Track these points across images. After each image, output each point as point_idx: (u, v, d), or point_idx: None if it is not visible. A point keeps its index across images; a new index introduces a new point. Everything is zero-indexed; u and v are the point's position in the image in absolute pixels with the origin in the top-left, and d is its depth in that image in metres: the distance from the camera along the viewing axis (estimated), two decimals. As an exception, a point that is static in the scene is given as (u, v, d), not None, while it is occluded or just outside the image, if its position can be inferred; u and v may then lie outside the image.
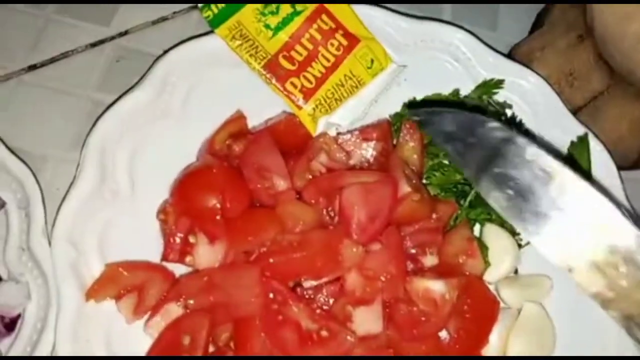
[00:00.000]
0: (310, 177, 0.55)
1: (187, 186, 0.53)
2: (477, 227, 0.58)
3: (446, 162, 0.58)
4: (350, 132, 0.58)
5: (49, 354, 0.47)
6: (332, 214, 0.53)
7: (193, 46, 0.57)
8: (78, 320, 0.48)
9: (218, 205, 0.51)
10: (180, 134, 0.56)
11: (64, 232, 0.49)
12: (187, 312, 0.49)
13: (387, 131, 0.58)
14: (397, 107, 0.60)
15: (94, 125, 0.53)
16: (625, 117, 0.61)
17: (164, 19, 0.66)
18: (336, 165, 0.56)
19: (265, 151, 0.54)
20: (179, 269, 0.52)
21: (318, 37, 0.59)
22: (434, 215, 0.55)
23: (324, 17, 0.59)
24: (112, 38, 0.64)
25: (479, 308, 0.53)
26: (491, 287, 0.55)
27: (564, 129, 0.59)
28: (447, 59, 0.61)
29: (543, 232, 0.34)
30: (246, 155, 0.55)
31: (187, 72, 0.57)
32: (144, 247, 0.52)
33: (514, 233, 0.56)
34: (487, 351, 0.53)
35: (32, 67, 0.62)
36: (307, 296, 0.51)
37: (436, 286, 0.50)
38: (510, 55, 0.66)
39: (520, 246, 0.56)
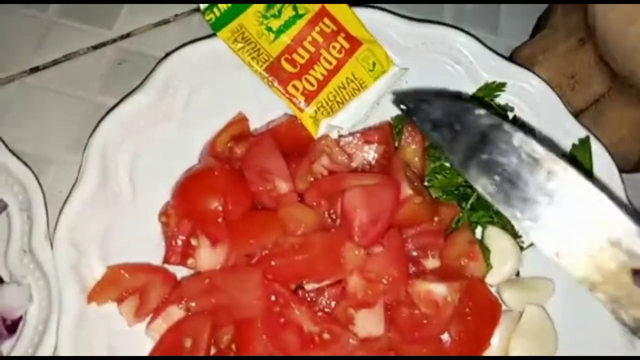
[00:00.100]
0: (312, 179, 0.55)
1: (188, 189, 0.53)
2: (478, 230, 0.58)
3: (448, 164, 0.58)
4: (352, 134, 0.58)
5: (50, 356, 0.47)
6: (333, 216, 0.53)
7: (195, 49, 0.57)
8: (79, 322, 0.48)
9: (220, 208, 0.51)
10: (182, 136, 0.56)
11: (66, 235, 0.49)
12: (188, 314, 0.49)
13: (388, 134, 0.58)
14: (399, 110, 0.60)
15: (96, 127, 0.54)
16: (626, 120, 0.61)
17: (166, 21, 0.66)
18: (338, 168, 0.56)
19: (267, 154, 0.54)
20: (180, 272, 0.52)
21: (320, 40, 0.59)
22: (435, 218, 0.55)
23: (326, 20, 0.59)
24: (114, 41, 0.65)
25: (481, 311, 0.53)
26: (493, 290, 0.55)
27: (565, 132, 0.59)
28: (448, 62, 0.61)
29: (531, 217, 0.34)
30: (248, 158, 0.55)
31: (189, 75, 0.57)
32: (145, 249, 0.52)
33: (515, 236, 0.56)
34: (488, 354, 0.53)
35: (35, 70, 0.62)
36: (308, 299, 0.51)
37: (438, 289, 0.50)
38: (511, 58, 0.66)
39: (522, 249, 0.56)
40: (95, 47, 0.64)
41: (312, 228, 0.51)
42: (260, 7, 0.58)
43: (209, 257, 0.51)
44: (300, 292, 0.51)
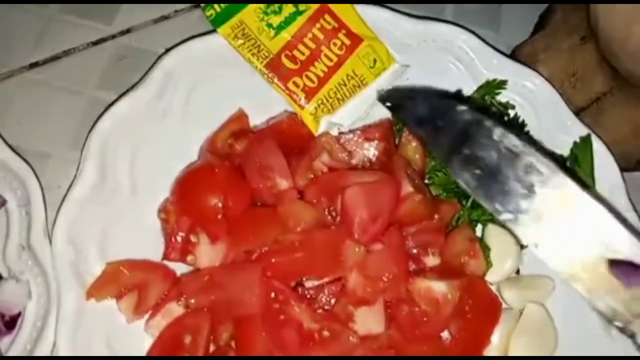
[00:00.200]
0: (312, 176, 0.55)
1: (188, 185, 0.53)
2: (479, 228, 0.57)
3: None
4: (352, 131, 0.58)
5: (49, 353, 0.47)
6: (333, 213, 0.53)
7: (195, 45, 0.57)
8: (78, 319, 0.47)
9: (219, 205, 0.51)
10: (182, 132, 0.56)
11: (65, 231, 0.49)
12: (188, 311, 0.49)
13: (389, 131, 0.58)
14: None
15: (95, 123, 0.53)
16: (628, 119, 0.61)
17: (166, 17, 0.66)
18: (338, 165, 0.56)
19: (267, 150, 0.54)
20: (180, 268, 0.52)
21: (321, 36, 0.59)
22: (436, 216, 0.54)
23: (327, 16, 0.59)
24: (114, 36, 0.64)
25: (481, 309, 0.52)
26: (493, 288, 0.55)
27: (566, 130, 0.59)
28: (450, 59, 0.61)
29: (511, 209, 0.35)
30: (248, 155, 0.54)
31: (189, 71, 0.57)
32: (145, 246, 0.52)
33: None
34: (488, 352, 0.52)
35: (34, 65, 0.62)
36: (308, 296, 0.51)
37: (438, 286, 0.50)
38: (513, 56, 0.66)
39: (522, 247, 0.56)
40: (95, 43, 0.64)
41: (312, 225, 0.51)
42: (261, 3, 0.58)
43: (208, 253, 0.51)
44: (300, 289, 0.51)
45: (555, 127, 0.59)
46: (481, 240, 0.56)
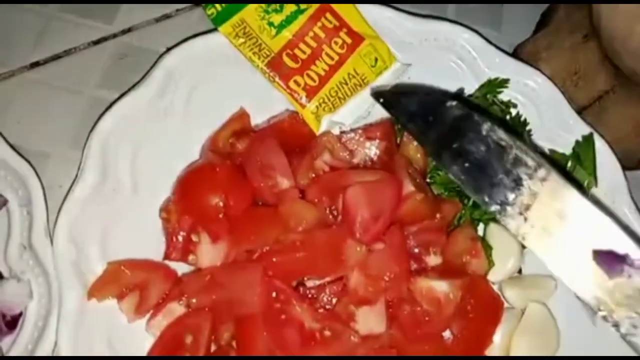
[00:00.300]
0: (314, 175, 0.55)
1: (189, 184, 0.53)
2: (481, 227, 0.57)
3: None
4: (353, 130, 0.58)
5: (50, 353, 0.47)
6: (335, 213, 0.53)
7: (196, 44, 0.57)
8: (80, 318, 0.47)
9: (221, 204, 0.51)
10: (183, 131, 0.56)
11: (66, 230, 0.49)
12: (189, 311, 0.49)
13: (390, 130, 0.58)
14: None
15: (96, 122, 0.53)
16: (630, 117, 0.60)
17: (167, 16, 0.66)
18: (339, 164, 0.56)
19: (269, 149, 0.54)
20: (181, 268, 0.52)
21: (322, 35, 0.58)
22: (437, 215, 0.54)
23: (328, 15, 0.59)
24: (115, 35, 0.64)
25: (483, 308, 0.52)
26: (495, 287, 0.55)
27: (569, 129, 0.59)
28: (451, 58, 0.60)
29: (498, 201, 0.36)
30: (249, 154, 0.54)
31: (190, 70, 0.56)
32: (146, 245, 0.52)
33: (518, 233, 0.56)
34: (490, 351, 0.52)
35: (35, 65, 0.62)
36: (310, 295, 0.50)
37: (440, 286, 0.50)
38: (515, 55, 0.65)
39: (524, 246, 0.56)
40: (96, 42, 0.64)
41: (313, 224, 0.51)
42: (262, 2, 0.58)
43: (209, 253, 0.51)
44: (301, 288, 0.51)
45: (558, 126, 0.59)
46: (483, 239, 0.56)
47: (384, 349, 0.49)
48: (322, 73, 0.58)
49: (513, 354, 0.52)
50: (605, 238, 0.34)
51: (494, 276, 0.55)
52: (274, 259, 0.49)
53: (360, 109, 0.59)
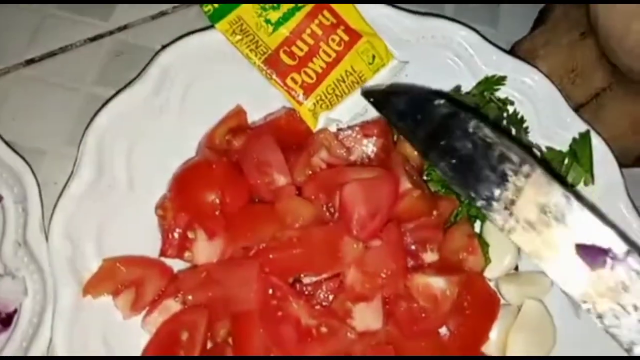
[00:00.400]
0: (311, 172, 0.54)
1: (185, 181, 0.53)
2: (477, 224, 0.57)
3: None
4: (350, 128, 0.58)
5: (45, 350, 0.47)
6: (332, 210, 0.53)
7: (193, 41, 0.56)
8: (75, 315, 0.47)
9: (217, 201, 0.51)
10: (179, 128, 0.56)
11: (61, 227, 0.49)
12: (185, 307, 0.48)
13: (387, 127, 0.58)
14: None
15: (92, 119, 0.53)
16: (627, 115, 0.61)
17: (163, 13, 0.66)
18: (336, 161, 0.56)
19: (265, 146, 0.54)
20: (177, 265, 0.52)
21: (319, 32, 0.58)
22: (434, 212, 0.54)
23: (326, 12, 0.59)
24: (111, 32, 0.64)
25: (479, 305, 0.52)
26: (491, 284, 0.55)
27: (565, 126, 0.59)
28: (449, 55, 0.60)
29: (485, 196, 0.37)
30: (246, 151, 0.54)
31: (186, 67, 0.56)
32: (141, 242, 0.51)
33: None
34: (487, 348, 0.52)
35: (31, 62, 0.61)
36: (306, 292, 0.50)
37: (437, 282, 0.50)
38: (512, 52, 0.65)
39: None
40: (92, 39, 0.63)
41: (310, 221, 0.51)
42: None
43: (206, 250, 0.50)
44: (298, 285, 0.50)
45: (555, 123, 0.59)
46: (480, 236, 0.56)
47: (380, 345, 0.49)
48: (320, 70, 0.58)
49: (509, 350, 0.52)
50: (589, 232, 0.34)
51: (490, 273, 0.55)
52: (271, 256, 0.49)
53: (358, 107, 0.59)
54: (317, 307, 0.49)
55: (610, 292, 0.33)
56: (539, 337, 0.53)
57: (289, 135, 0.57)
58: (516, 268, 0.57)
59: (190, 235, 0.51)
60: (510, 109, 0.60)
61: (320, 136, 0.56)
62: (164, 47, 0.57)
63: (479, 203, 0.37)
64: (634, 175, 0.61)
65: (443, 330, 0.52)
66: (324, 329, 0.47)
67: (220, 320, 0.49)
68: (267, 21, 0.58)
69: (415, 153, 0.57)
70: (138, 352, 0.48)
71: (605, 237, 0.34)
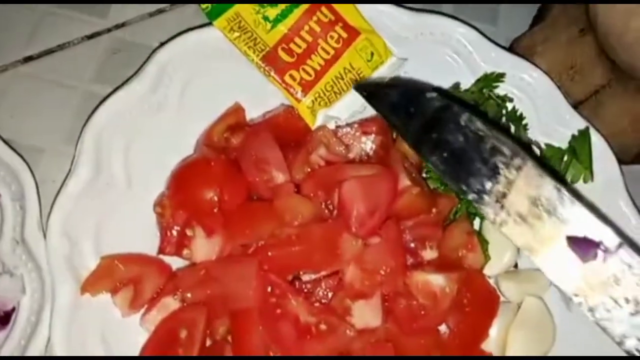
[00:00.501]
0: (309, 170, 0.54)
1: (184, 179, 0.53)
2: (477, 221, 0.57)
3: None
4: (349, 125, 0.57)
5: (43, 348, 0.47)
6: (331, 207, 0.53)
7: (191, 38, 0.56)
8: (73, 313, 0.47)
9: (215, 198, 0.51)
10: (177, 126, 0.56)
11: (59, 225, 0.49)
12: (184, 305, 0.48)
13: (386, 125, 0.58)
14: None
15: (89, 117, 0.53)
16: (626, 112, 0.60)
17: (161, 11, 0.65)
18: (335, 159, 0.55)
19: (264, 144, 0.54)
20: (175, 262, 0.52)
21: (317, 29, 0.58)
22: (433, 209, 0.54)
23: (324, 9, 0.59)
24: (109, 30, 0.64)
25: (479, 302, 0.52)
26: (491, 281, 0.55)
27: (565, 123, 0.58)
28: (448, 53, 0.60)
29: (476, 190, 0.36)
30: (244, 148, 0.54)
31: (184, 64, 0.56)
32: (140, 240, 0.51)
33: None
34: (486, 345, 0.52)
35: (28, 59, 0.61)
36: (305, 290, 0.50)
37: (436, 279, 0.50)
38: (511, 49, 0.65)
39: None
40: (90, 37, 0.63)
41: (308, 219, 0.51)
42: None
43: (204, 247, 0.50)
44: (297, 283, 0.50)
45: (554, 120, 0.59)
46: (479, 233, 0.56)
47: (380, 342, 0.48)
48: (318, 67, 0.58)
49: (509, 348, 0.52)
50: (580, 224, 0.34)
51: (490, 270, 0.55)
52: (270, 253, 0.49)
53: (356, 104, 0.59)
54: (316, 304, 0.49)
55: (602, 285, 0.33)
56: (539, 335, 0.52)
57: (288, 133, 0.57)
58: (515, 265, 0.57)
59: (188, 232, 0.50)
60: (510, 106, 0.60)
61: (318, 133, 0.56)
62: (161, 44, 0.57)
63: (471, 196, 0.37)
64: (633, 172, 0.61)
65: (443, 328, 0.52)
66: (323, 327, 0.47)
67: (219, 318, 0.49)
68: (265, 18, 0.57)
69: (415, 150, 0.57)
70: (137, 350, 0.48)
71: (597, 230, 0.34)
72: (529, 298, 0.54)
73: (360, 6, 0.59)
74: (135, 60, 0.59)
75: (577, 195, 0.36)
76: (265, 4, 0.58)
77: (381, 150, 0.57)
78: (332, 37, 0.58)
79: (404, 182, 0.52)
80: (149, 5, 0.65)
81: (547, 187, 0.35)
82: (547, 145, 0.59)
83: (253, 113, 0.58)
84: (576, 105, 0.61)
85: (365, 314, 0.48)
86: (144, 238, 0.51)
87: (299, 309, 0.48)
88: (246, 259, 0.49)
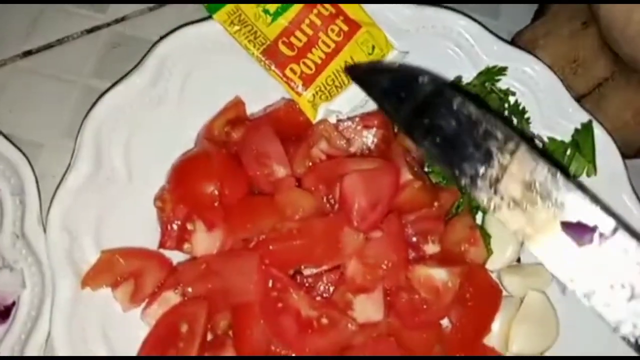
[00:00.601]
0: (310, 164, 0.54)
1: (184, 173, 0.52)
2: (479, 216, 0.57)
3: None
4: (350, 119, 0.57)
5: (44, 342, 0.47)
6: (332, 201, 0.52)
7: (190, 32, 0.56)
8: (73, 308, 0.47)
9: (216, 192, 0.50)
10: (178, 120, 0.55)
11: (59, 219, 0.49)
12: (184, 299, 0.48)
13: (387, 119, 0.57)
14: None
15: (89, 111, 0.52)
16: (629, 105, 0.60)
17: (161, 4, 0.65)
18: (336, 153, 0.55)
19: (265, 138, 0.53)
20: (176, 257, 0.51)
21: (318, 22, 0.58)
22: (435, 203, 0.54)
23: (324, 2, 0.58)
24: (109, 24, 0.63)
25: (481, 296, 0.52)
26: (494, 276, 0.55)
27: (567, 117, 0.58)
28: (449, 46, 0.60)
29: (469, 175, 0.36)
30: (245, 142, 0.54)
31: (184, 58, 0.56)
32: (140, 234, 0.51)
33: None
34: (489, 340, 0.52)
35: (28, 53, 0.61)
36: (307, 284, 0.50)
37: (438, 274, 0.49)
38: (513, 43, 0.65)
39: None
40: (90, 31, 0.63)
41: (310, 213, 0.50)
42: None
43: (205, 241, 0.50)
44: (298, 277, 0.50)
45: (556, 114, 0.58)
46: (481, 228, 0.55)
47: (381, 337, 0.48)
48: (319, 61, 0.57)
49: (512, 342, 0.52)
50: (575, 209, 0.33)
51: (492, 265, 0.55)
52: (271, 247, 0.48)
53: (357, 98, 0.58)
54: (318, 298, 0.49)
55: (598, 270, 0.32)
56: (542, 329, 0.52)
57: (288, 127, 0.56)
58: (518, 260, 0.56)
59: (189, 227, 0.50)
60: (512, 99, 0.59)
61: (319, 127, 0.56)
62: (161, 38, 0.56)
63: (464, 181, 0.36)
64: (636, 166, 0.61)
65: (445, 322, 0.52)
66: (324, 321, 0.47)
67: (221, 312, 0.49)
68: (266, 11, 0.57)
69: (417, 144, 0.57)
70: (137, 345, 0.48)
71: (592, 214, 0.33)
72: (531, 292, 0.53)
73: (360, -1, 0.59)
74: (135, 54, 0.59)
75: (573, 180, 0.35)
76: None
77: (383, 144, 0.56)
78: (332, 31, 0.58)
79: (406, 176, 0.52)
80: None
81: (542, 172, 0.34)
82: (550, 138, 0.59)
83: (254, 107, 0.58)
84: (579, 99, 0.61)
85: (367, 309, 0.48)
86: (144, 232, 0.51)
87: (300, 303, 0.47)
88: (247, 253, 0.49)
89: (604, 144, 0.57)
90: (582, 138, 0.57)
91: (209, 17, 0.57)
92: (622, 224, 0.33)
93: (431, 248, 0.53)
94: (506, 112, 0.59)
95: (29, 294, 0.48)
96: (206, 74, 0.56)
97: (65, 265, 0.47)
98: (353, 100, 0.58)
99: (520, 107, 0.59)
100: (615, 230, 0.32)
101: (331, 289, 0.50)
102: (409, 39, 0.59)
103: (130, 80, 0.54)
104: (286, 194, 0.51)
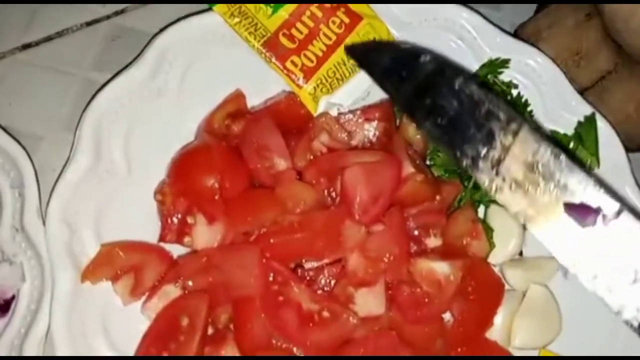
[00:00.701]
0: (311, 157, 0.54)
1: (184, 166, 0.52)
2: (481, 209, 0.57)
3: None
4: (352, 112, 0.57)
5: (43, 336, 0.46)
6: (333, 194, 0.52)
7: (191, 23, 0.55)
8: (73, 301, 0.47)
9: (216, 185, 0.50)
10: (178, 113, 0.55)
11: (59, 212, 0.48)
12: (185, 293, 0.48)
13: (389, 111, 0.57)
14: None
15: (89, 104, 0.52)
16: (632, 97, 0.60)
17: (161, -3, 0.64)
18: (338, 145, 0.55)
19: (265, 131, 0.53)
20: (176, 250, 0.51)
21: (319, 14, 0.57)
22: (437, 197, 0.53)
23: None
24: (108, 17, 0.63)
25: (484, 290, 0.52)
26: (496, 269, 0.54)
27: (571, 109, 0.58)
28: (451, 38, 0.59)
29: (470, 155, 0.35)
30: (245, 135, 0.53)
31: (184, 50, 0.55)
32: (140, 227, 0.51)
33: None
34: (491, 334, 0.52)
35: (27, 46, 0.60)
36: (308, 277, 0.50)
37: (440, 267, 0.49)
38: (516, 35, 0.64)
39: (525, 228, 0.55)
40: (89, 24, 0.62)
41: (311, 206, 0.50)
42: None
43: (205, 235, 0.50)
44: (299, 270, 0.50)
45: (559, 106, 0.58)
46: (484, 221, 0.55)
47: (383, 330, 0.48)
48: (320, 53, 0.57)
49: (514, 336, 0.52)
50: (578, 190, 0.33)
51: (494, 258, 0.54)
52: (272, 241, 0.48)
53: (359, 90, 0.58)
54: (319, 292, 0.49)
55: (601, 253, 0.32)
56: (544, 323, 0.52)
57: (289, 120, 0.56)
58: (521, 253, 0.56)
59: (189, 220, 0.50)
60: (514, 92, 0.59)
61: (321, 120, 0.55)
62: (161, 30, 0.56)
63: (465, 162, 0.35)
64: (639, 160, 0.60)
65: (447, 316, 0.52)
66: (325, 314, 0.46)
67: (221, 306, 0.48)
68: (266, 3, 0.57)
69: (418, 137, 0.56)
70: (138, 339, 0.47)
71: (595, 196, 0.32)
72: (534, 286, 0.53)
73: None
74: (134, 46, 0.58)
75: (576, 159, 0.34)
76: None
77: (384, 137, 0.56)
78: (334, 22, 0.57)
79: (408, 169, 0.51)
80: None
81: (544, 153, 0.33)
82: (553, 131, 0.58)
83: (254, 100, 0.57)
84: (582, 92, 0.61)
85: (369, 302, 0.48)
86: (144, 225, 0.51)
87: (301, 296, 0.47)
88: (248, 247, 0.49)
89: (607, 137, 0.56)
90: (585, 131, 0.57)
91: (209, 9, 0.56)
92: (627, 206, 0.32)
93: (433, 241, 0.53)
94: (509, 105, 0.59)
95: (28, 287, 0.48)
96: (206, 67, 0.56)
97: (65, 258, 0.47)
98: (354, 92, 0.58)
99: (523, 100, 0.59)
100: (619, 213, 0.32)
101: (332, 282, 0.49)
102: (411, 31, 0.59)
103: (129, 72, 0.53)
104: (287, 187, 0.50)
